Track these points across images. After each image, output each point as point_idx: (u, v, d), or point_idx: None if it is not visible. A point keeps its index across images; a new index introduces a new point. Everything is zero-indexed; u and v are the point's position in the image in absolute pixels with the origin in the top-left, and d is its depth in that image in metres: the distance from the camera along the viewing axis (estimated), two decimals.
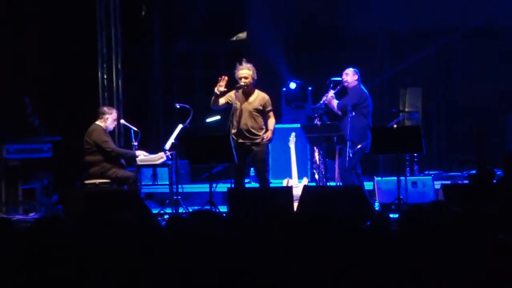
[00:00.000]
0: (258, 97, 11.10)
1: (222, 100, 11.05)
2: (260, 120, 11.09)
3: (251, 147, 11.05)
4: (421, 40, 15.18)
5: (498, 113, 14.76)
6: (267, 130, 11.09)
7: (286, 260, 4.70)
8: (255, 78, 11.07)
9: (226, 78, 10.95)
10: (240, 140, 11.00)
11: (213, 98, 11.02)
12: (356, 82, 11.80)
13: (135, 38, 15.21)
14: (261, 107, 11.06)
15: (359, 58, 14.01)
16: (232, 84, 11.18)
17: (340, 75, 11.90)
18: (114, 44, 14.14)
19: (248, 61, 11.18)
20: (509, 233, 5.18)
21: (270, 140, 11.21)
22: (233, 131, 11.01)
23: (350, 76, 11.80)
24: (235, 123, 11.02)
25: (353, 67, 11.87)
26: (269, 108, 11.12)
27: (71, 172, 12.89)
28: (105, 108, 11.83)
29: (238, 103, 11.03)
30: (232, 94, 11.07)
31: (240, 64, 11.10)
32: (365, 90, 11.86)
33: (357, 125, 11.48)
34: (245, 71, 11.03)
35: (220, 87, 10.90)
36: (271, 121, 11.14)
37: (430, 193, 12.02)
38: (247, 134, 11.03)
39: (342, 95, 11.93)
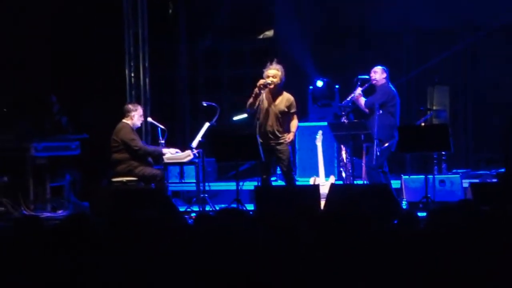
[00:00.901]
0: (284, 98, 11.10)
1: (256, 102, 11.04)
2: (284, 122, 11.09)
3: (275, 147, 11.05)
4: (448, 37, 15.10)
5: None
6: (289, 131, 11.11)
7: (312, 258, 4.69)
8: (283, 79, 11.06)
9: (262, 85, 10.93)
10: (265, 140, 10.99)
11: (251, 100, 10.98)
12: (384, 80, 11.77)
13: (162, 36, 15.24)
14: (286, 109, 11.06)
15: (386, 56, 13.96)
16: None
17: (367, 73, 11.86)
18: (141, 42, 14.19)
19: (278, 62, 11.17)
20: None
21: (291, 142, 11.21)
22: (258, 131, 11.00)
23: (378, 74, 11.77)
24: (260, 123, 11.01)
25: (381, 65, 11.84)
26: (294, 110, 11.13)
27: (99, 170, 12.94)
28: (130, 106, 11.86)
29: (266, 104, 11.02)
30: (256, 90, 11.06)
31: (271, 63, 11.11)
32: (393, 89, 11.82)
33: (385, 124, 11.44)
34: (274, 71, 11.03)
35: (261, 87, 10.89)
36: (294, 123, 11.15)
37: (458, 191, 11.96)
38: (271, 136, 11.04)
39: (369, 93, 11.90)
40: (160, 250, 4.83)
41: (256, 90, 10.92)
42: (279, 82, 11.01)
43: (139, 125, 11.87)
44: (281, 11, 15.34)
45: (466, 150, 15.16)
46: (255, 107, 11.00)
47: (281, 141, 11.07)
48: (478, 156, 15.08)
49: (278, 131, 11.05)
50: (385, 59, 12.59)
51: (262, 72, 11.11)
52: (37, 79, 13.32)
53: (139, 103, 13.23)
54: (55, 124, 13.12)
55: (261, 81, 10.92)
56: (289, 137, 11.08)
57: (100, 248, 4.86)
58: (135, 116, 11.64)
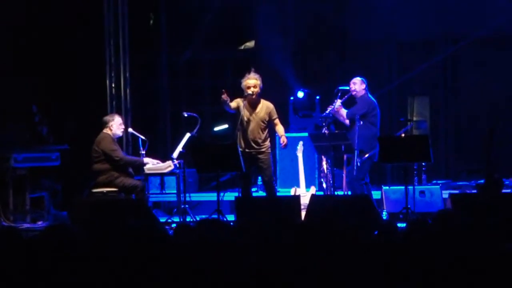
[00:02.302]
0: (263, 106, 11.18)
1: (233, 104, 11.09)
2: (265, 130, 11.16)
3: (256, 156, 11.09)
4: (428, 48, 15.16)
5: (506, 122, 14.71)
6: (271, 139, 11.18)
7: (292, 269, 4.70)
8: (262, 87, 11.13)
9: (226, 93, 10.96)
10: (246, 150, 11.05)
11: (223, 105, 11.07)
12: (364, 91, 11.80)
13: (143, 47, 15.22)
14: (267, 117, 11.12)
15: (367, 66, 14.02)
16: (239, 92, 11.22)
17: (348, 84, 11.90)
18: (122, 52, 14.16)
19: (256, 71, 11.23)
20: None
21: (286, 145, 11.24)
22: (240, 140, 11.06)
23: (358, 85, 11.80)
24: (242, 133, 11.07)
25: (360, 76, 11.87)
26: (275, 116, 11.21)
27: (79, 180, 12.89)
28: (107, 117, 11.79)
29: (247, 113, 11.08)
30: (240, 101, 11.11)
31: (249, 73, 11.16)
32: (373, 99, 11.85)
33: (365, 134, 11.47)
34: (253, 81, 11.09)
35: (225, 100, 10.93)
36: (280, 128, 11.26)
37: (438, 202, 12.00)
38: (253, 144, 11.10)
39: (349, 104, 11.92)
40: (140, 260, 4.82)
41: (223, 100, 10.95)
42: (258, 91, 11.08)
43: (120, 134, 11.83)
44: (262, 22, 15.36)
45: (446, 161, 15.21)
46: (231, 108, 11.04)
47: (263, 149, 11.11)
48: (458, 167, 15.14)
49: (259, 139, 11.10)
50: (366, 70, 12.64)
51: (241, 83, 11.16)
52: (18, 89, 13.26)
53: (117, 112, 13.20)
54: (36, 134, 13.07)
55: (224, 97, 10.92)
56: (284, 140, 11.14)
57: (80, 259, 4.85)
58: (114, 126, 11.60)
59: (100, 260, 4.85)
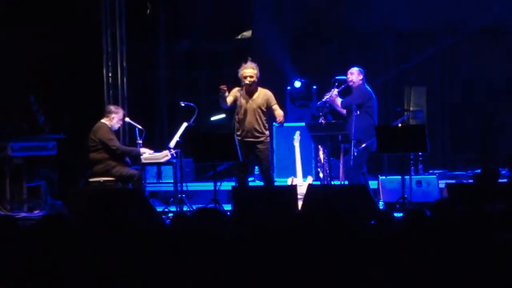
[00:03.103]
0: (261, 94, 11.17)
1: (230, 98, 11.08)
2: (264, 118, 11.15)
3: (255, 145, 11.09)
4: (425, 39, 15.16)
5: (503, 112, 14.73)
6: (268, 129, 11.19)
7: (289, 258, 4.70)
8: (259, 76, 11.12)
9: (225, 87, 10.97)
10: (245, 139, 11.05)
11: (221, 100, 11.05)
12: (361, 82, 11.79)
13: (140, 36, 15.19)
14: (265, 104, 11.11)
15: (364, 56, 14.02)
16: (237, 82, 11.22)
17: (345, 74, 11.88)
18: (119, 42, 14.14)
19: (253, 60, 11.22)
20: None
21: (282, 123, 11.17)
22: (238, 129, 11.07)
23: (355, 75, 11.78)
24: (239, 121, 11.08)
25: (358, 67, 11.85)
26: (274, 102, 11.19)
27: (75, 170, 12.88)
28: (112, 107, 11.84)
29: (243, 102, 11.08)
30: (236, 91, 11.11)
31: (245, 62, 11.15)
32: (370, 89, 11.84)
33: (362, 124, 11.46)
34: (250, 70, 11.08)
35: (224, 91, 10.94)
36: (279, 112, 11.14)
37: (434, 192, 12.02)
38: (252, 133, 11.09)
39: (346, 94, 11.92)
40: (137, 250, 4.82)
41: (221, 93, 10.95)
42: (255, 80, 11.07)
43: (117, 128, 11.85)
44: (259, 11, 15.35)
45: (443, 150, 15.22)
46: (229, 104, 11.05)
47: (261, 139, 11.11)
48: (455, 157, 15.16)
49: (257, 128, 11.10)
50: (363, 60, 12.62)
51: (237, 72, 11.16)
52: (15, 79, 13.24)
53: (114, 101, 13.19)
54: (33, 123, 13.06)
55: (223, 87, 10.93)
56: (280, 119, 11.07)
57: (76, 249, 4.85)
58: (115, 119, 11.62)
59: (96, 249, 4.85)
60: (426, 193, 12.01)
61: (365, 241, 4.88)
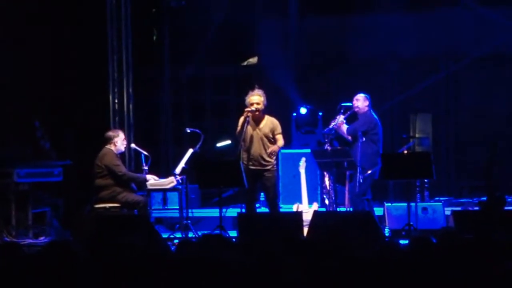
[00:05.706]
0: (268, 121, 11.19)
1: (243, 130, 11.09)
2: (270, 147, 11.14)
3: (261, 173, 11.10)
4: (431, 66, 15.21)
5: (508, 139, 14.72)
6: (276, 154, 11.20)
7: (295, 285, 4.69)
8: (266, 103, 11.15)
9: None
10: (251, 166, 11.05)
11: (239, 129, 11.05)
12: (366, 108, 11.80)
13: (146, 63, 15.25)
14: (271, 133, 11.12)
15: (369, 83, 14.03)
16: (241, 108, 11.25)
17: (351, 100, 11.90)
18: (125, 68, 14.18)
19: (259, 87, 11.25)
20: None
21: (273, 153, 11.16)
22: (244, 156, 11.07)
23: (361, 101, 11.80)
24: (246, 149, 11.08)
25: (364, 93, 11.87)
26: (278, 131, 11.21)
27: (81, 196, 12.88)
28: (110, 133, 11.81)
29: (250, 129, 11.09)
30: (242, 120, 11.13)
31: (252, 90, 11.19)
32: (376, 116, 11.85)
33: (367, 151, 11.47)
34: (257, 97, 11.12)
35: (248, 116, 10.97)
36: (280, 141, 11.16)
37: (440, 219, 11.98)
38: (258, 161, 11.09)
39: (352, 120, 11.93)
40: (143, 276, 4.82)
41: (242, 119, 10.99)
42: (262, 107, 11.10)
43: (123, 149, 11.87)
44: (265, 38, 15.40)
45: (448, 177, 15.21)
46: (243, 135, 11.07)
47: (268, 167, 11.11)
48: (460, 184, 15.14)
49: (264, 156, 11.10)
50: (368, 87, 12.64)
51: (244, 99, 11.19)
52: (20, 104, 13.26)
53: (120, 127, 13.21)
54: (38, 149, 13.07)
55: (247, 110, 10.98)
56: (273, 148, 11.08)
57: (82, 275, 4.85)
58: (118, 142, 11.64)
59: (101, 276, 4.85)
60: (432, 220, 11.98)
61: (370, 268, 4.87)
